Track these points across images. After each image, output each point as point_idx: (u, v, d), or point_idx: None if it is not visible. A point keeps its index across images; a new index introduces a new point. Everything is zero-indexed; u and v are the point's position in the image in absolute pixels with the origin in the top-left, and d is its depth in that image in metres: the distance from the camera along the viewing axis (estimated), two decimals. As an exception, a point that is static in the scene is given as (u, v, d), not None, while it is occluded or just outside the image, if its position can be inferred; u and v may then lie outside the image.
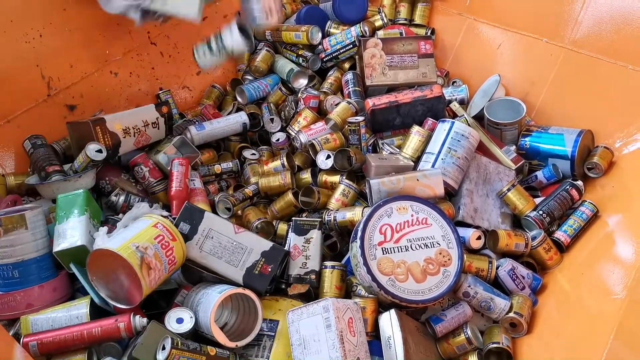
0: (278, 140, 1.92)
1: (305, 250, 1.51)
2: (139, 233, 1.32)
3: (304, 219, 1.55)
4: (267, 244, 1.45)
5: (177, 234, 1.38)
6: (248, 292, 1.35)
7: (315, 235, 1.53)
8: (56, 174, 1.62)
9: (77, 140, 1.72)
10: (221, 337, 1.29)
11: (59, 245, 1.42)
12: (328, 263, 1.49)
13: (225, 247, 1.42)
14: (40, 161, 1.66)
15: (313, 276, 1.48)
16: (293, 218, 1.57)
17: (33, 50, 1.79)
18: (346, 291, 1.51)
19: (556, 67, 1.85)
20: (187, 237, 1.42)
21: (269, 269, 1.42)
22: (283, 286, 1.51)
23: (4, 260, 1.39)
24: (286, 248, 1.53)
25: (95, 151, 1.64)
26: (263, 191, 1.78)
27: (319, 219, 1.56)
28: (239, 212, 1.75)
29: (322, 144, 1.78)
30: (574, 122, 1.74)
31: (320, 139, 1.79)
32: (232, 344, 1.29)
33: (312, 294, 1.50)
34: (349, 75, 2.01)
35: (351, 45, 2.08)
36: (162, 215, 1.45)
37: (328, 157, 1.75)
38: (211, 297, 1.32)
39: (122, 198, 1.65)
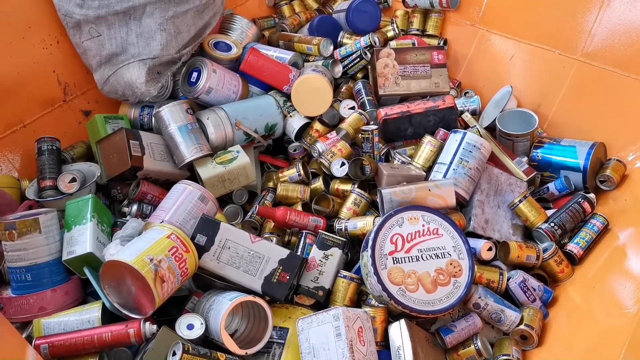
0: (295, 150, 1.93)
1: (322, 266, 1.50)
2: (153, 244, 1.31)
3: (330, 235, 1.54)
4: (284, 252, 1.44)
5: (190, 245, 1.37)
6: (258, 299, 1.35)
7: (336, 254, 1.51)
8: (48, 189, 1.64)
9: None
10: (231, 345, 1.29)
11: (68, 254, 1.44)
12: (346, 273, 1.49)
13: (242, 256, 1.42)
14: (38, 172, 1.67)
15: (321, 293, 1.47)
16: (320, 231, 1.56)
17: (50, 56, 1.82)
18: (356, 300, 1.51)
19: (569, 79, 1.85)
20: (204, 249, 1.41)
21: (287, 277, 1.41)
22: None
23: (17, 263, 1.41)
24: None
25: (69, 182, 1.65)
26: (279, 199, 1.79)
27: (345, 240, 1.54)
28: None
29: (329, 159, 1.78)
30: (586, 135, 1.73)
31: (326, 155, 1.79)
32: (241, 352, 1.29)
33: (323, 302, 1.49)
34: (359, 85, 2.01)
35: (358, 59, 2.07)
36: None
37: (342, 164, 1.75)
38: (222, 304, 1.32)
39: (134, 207, 1.64)
